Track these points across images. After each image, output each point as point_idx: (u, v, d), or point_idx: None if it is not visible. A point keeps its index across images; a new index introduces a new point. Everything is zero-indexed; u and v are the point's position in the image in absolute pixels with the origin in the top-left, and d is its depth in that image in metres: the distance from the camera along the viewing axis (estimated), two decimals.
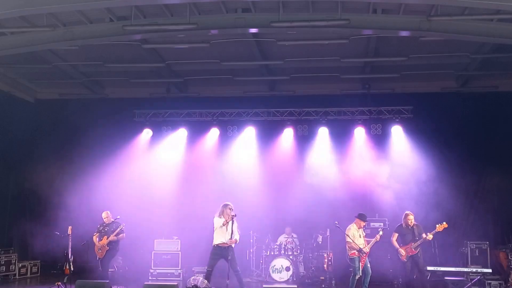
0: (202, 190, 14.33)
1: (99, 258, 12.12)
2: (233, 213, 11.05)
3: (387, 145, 14.67)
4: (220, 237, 11.07)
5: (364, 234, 11.67)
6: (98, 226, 12.39)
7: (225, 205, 11.17)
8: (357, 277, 11.14)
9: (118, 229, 12.10)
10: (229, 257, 10.87)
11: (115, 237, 12.10)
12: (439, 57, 13.41)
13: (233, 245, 11.17)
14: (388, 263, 13.29)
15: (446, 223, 11.24)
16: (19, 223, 15.61)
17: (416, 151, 14.09)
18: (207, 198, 13.65)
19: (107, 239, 12.07)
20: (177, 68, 14.75)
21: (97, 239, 12.21)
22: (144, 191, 14.60)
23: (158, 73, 14.92)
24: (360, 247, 11.14)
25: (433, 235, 11.20)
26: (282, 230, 14.53)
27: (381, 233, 11.39)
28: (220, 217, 11.12)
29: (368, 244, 11.37)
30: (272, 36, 12.38)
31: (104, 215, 12.40)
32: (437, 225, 11.21)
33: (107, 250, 12.07)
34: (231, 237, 10.99)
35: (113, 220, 12.29)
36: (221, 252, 10.99)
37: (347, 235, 11.25)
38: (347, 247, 11.31)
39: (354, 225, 11.42)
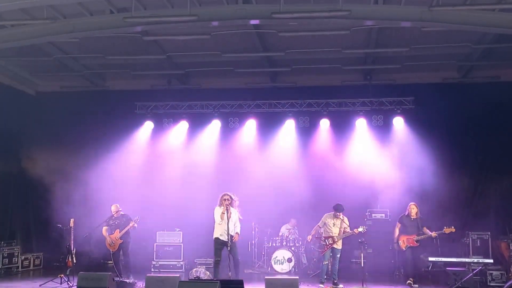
0: (204, 182, 14.33)
1: (112, 252, 12.07)
2: (227, 202, 11.01)
3: (388, 136, 14.64)
4: (218, 230, 11.07)
5: (348, 224, 11.81)
6: (107, 219, 12.23)
7: (223, 195, 11.19)
8: (325, 263, 11.71)
9: (130, 225, 12.03)
10: (229, 247, 10.88)
11: (128, 227, 12.05)
12: (441, 48, 13.34)
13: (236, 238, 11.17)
14: (389, 254, 13.36)
15: (455, 228, 11.57)
16: (21, 216, 15.68)
17: (417, 142, 14.07)
18: (209, 190, 13.65)
19: (119, 232, 12.04)
20: (178, 60, 14.71)
21: (107, 232, 12.13)
22: (145, 183, 14.62)
23: (159, 65, 14.89)
24: (330, 235, 11.67)
25: (437, 234, 11.62)
26: (283, 221, 14.53)
27: (361, 229, 11.54)
28: (220, 207, 11.09)
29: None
30: (273, 28, 12.32)
31: (113, 208, 12.30)
32: (445, 228, 11.56)
33: (120, 244, 12.06)
34: (228, 230, 10.86)
35: (122, 213, 12.23)
36: (223, 243, 10.98)
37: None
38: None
39: (331, 214, 11.86)
